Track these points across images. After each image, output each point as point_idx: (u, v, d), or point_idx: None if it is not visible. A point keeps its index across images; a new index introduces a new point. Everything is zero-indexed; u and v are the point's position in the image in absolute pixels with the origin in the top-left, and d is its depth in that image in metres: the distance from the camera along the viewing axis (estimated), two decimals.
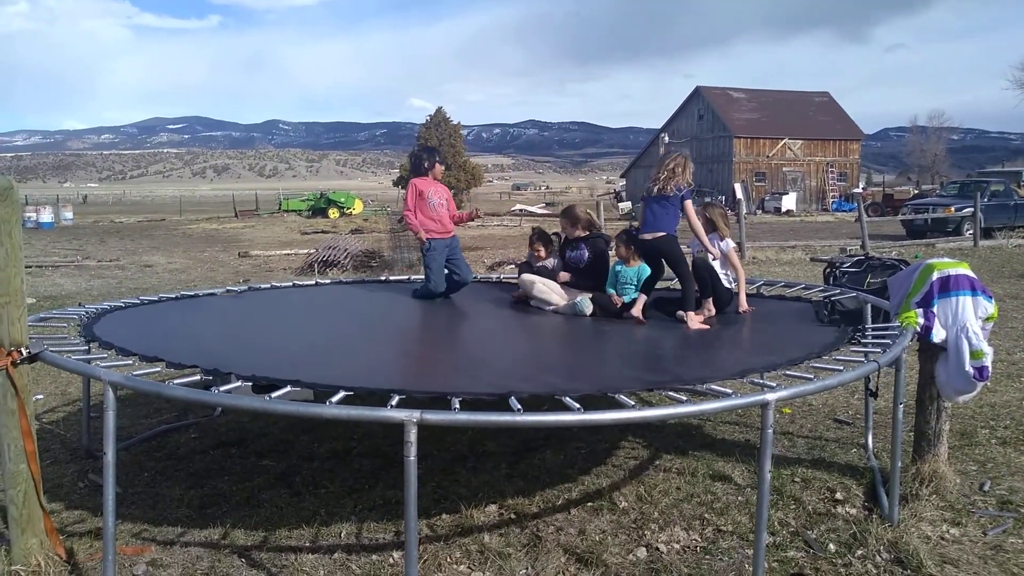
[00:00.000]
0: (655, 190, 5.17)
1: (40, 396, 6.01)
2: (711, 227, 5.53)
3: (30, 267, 3.73)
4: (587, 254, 5.83)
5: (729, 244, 5.55)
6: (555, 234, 6.23)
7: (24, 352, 3.21)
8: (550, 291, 5.69)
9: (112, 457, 2.91)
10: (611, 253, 5.83)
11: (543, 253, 6.02)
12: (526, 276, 5.88)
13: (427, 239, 6.03)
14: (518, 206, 49.85)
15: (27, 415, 3.22)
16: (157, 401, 5.81)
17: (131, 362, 3.53)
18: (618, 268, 5.61)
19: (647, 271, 5.54)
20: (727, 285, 5.42)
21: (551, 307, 5.62)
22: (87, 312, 4.94)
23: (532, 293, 5.73)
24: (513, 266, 6.35)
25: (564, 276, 5.75)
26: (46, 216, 33.01)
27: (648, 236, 5.21)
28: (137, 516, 3.84)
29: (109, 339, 4.03)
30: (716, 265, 5.38)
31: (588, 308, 5.43)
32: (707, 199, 45.10)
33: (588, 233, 5.92)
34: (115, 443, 2.95)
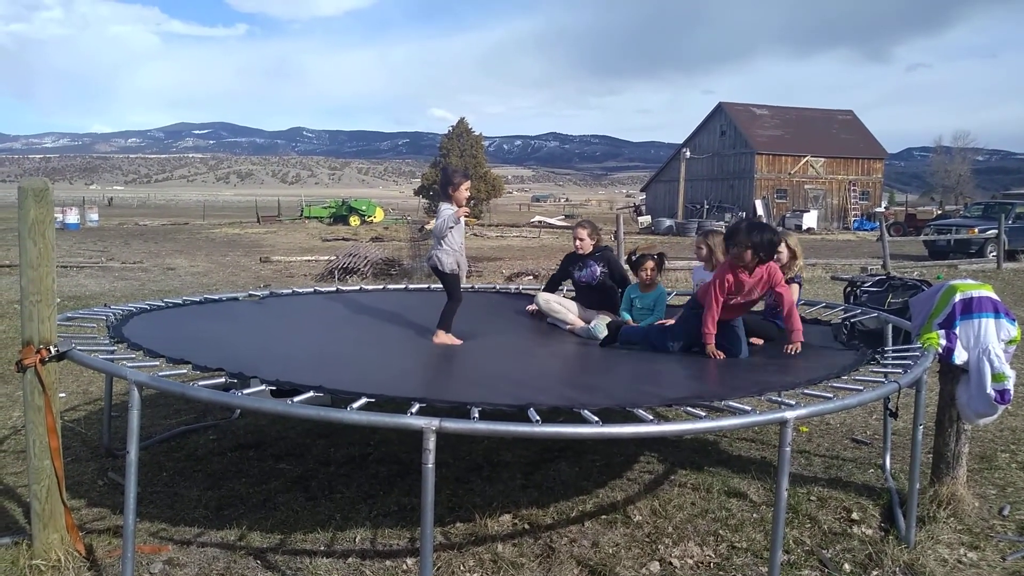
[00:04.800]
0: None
1: (63, 395, 6.10)
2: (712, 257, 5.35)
3: (56, 267, 3.81)
4: (599, 270, 5.77)
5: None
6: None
7: (53, 350, 3.27)
8: (565, 311, 5.70)
9: (135, 456, 2.96)
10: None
11: (585, 243, 5.83)
12: (542, 296, 5.87)
13: None
14: (537, 218, 49.95)
15: (53, 412, 3.28)
16: (177, 402, 5.88)
17: (157, 363, 3.59)
18: (633, 295, 5.54)
19: (664, 297, 5.48)
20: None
21: (567, 326, 5.62)
22: (112, 313, 5.01)
23: (548, 312, 5.75)
24: (532, 277, 6.28)
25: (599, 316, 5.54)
26: (72, 217, 33.50)
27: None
28: (155, 515, 3.89)
29: (136, 340, 4.10)
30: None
31: (603, 332, 5.34)
32: (727, 215, 44.86)
33: (593, 249, 5.89)
34: (138, 442, 2.99)
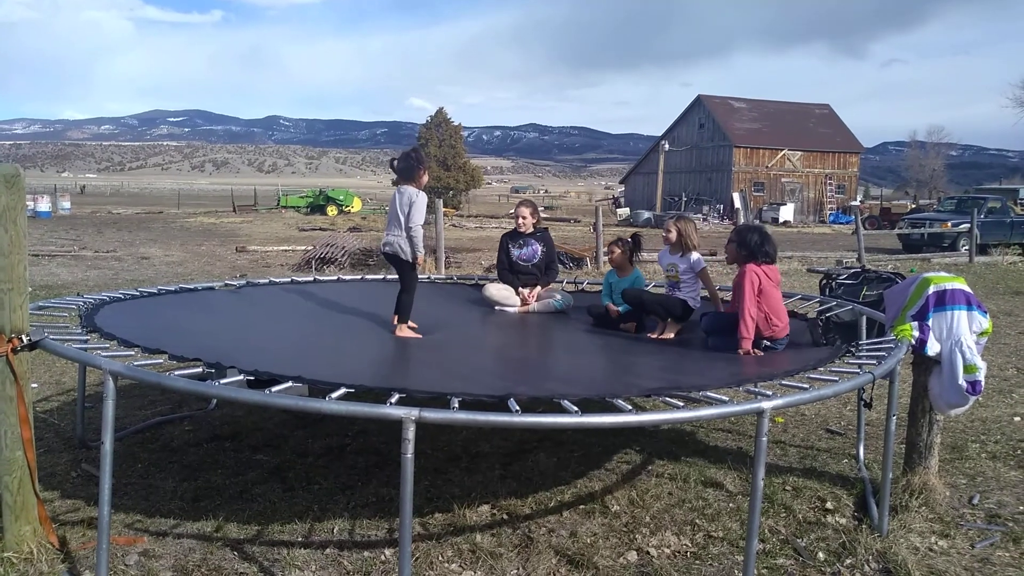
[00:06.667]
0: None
1: (35, 385, 6.00)
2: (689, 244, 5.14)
3: (27, 255, 3.75)
4: (539, 248, 6.09)
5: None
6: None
7: (25, 339, 3.22)
8: (510, 295, 6.00)
9: (110, 447, 2.92)
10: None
11: (527, 222, 6.12)
12: (489, 288, 6.14)
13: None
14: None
15: (25, 402, 3.23)
16: (152, 393, 5.82)
17: (132, 353, 3.54)
18: (611, 280, 5.59)
19: (640, 282, 5.54)
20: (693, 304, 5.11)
21: (512, 308, 5.92)
22: (85, 302, 4.94)
23: (497, 301, 6.00)
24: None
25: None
26: (44, 205, 32.92)
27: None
28: (130, 507, 3.85)
29: (109, 329, 4.04)
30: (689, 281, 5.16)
31: (570, 302, 5.83)
32: (705, 207, 44.95)
33: (534, 229, 6.17)
34: (113, 433, 2.96)
